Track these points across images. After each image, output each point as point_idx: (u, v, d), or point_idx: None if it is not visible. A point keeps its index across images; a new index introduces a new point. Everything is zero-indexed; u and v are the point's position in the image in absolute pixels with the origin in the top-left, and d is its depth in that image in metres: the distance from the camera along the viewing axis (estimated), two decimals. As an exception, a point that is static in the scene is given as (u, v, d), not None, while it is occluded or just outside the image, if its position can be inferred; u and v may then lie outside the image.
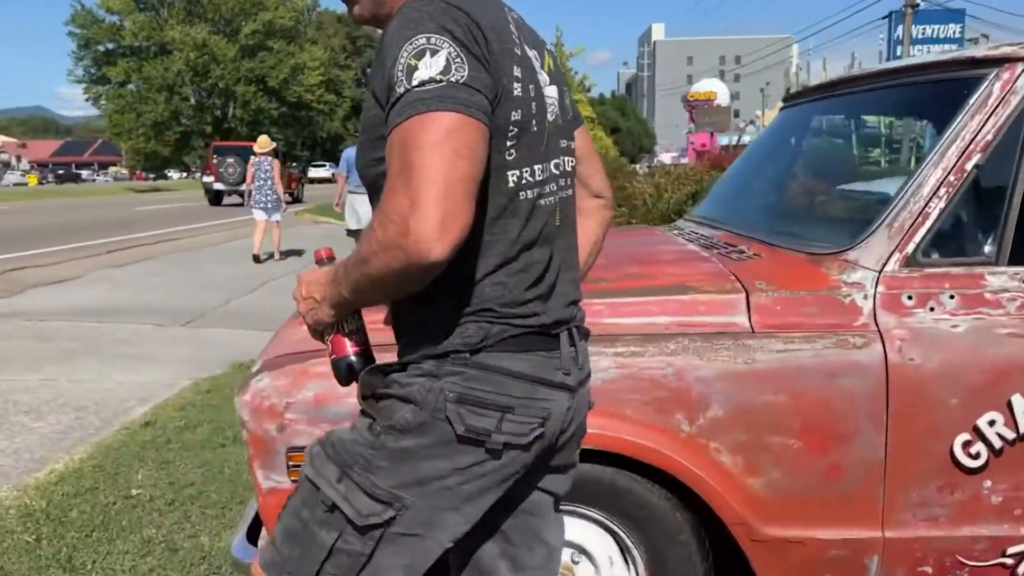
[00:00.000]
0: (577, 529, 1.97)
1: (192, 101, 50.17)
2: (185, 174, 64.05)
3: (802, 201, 2.64)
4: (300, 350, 1.94)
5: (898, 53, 22.78)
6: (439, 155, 1.03)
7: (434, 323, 1.21)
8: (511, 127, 1.17)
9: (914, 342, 1.86)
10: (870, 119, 3.31)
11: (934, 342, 1.86)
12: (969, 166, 1.91)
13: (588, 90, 19.87)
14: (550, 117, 1.27)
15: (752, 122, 37.67)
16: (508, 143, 1.18)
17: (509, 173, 1.19)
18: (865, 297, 1.90)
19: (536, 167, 1.23)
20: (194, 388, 4.77)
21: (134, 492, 3.22)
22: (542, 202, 1.25)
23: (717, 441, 1.85)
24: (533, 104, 1.21)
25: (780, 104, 3.11)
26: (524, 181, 1.21)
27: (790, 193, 2.73)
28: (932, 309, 1.89)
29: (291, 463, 1.84)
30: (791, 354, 1.84)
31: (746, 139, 22.38)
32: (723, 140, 25.44)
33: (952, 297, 1.89)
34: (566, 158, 1.33)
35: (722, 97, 28.76)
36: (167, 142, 50.06)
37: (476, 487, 1.22)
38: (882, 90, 2.39)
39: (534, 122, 1.21)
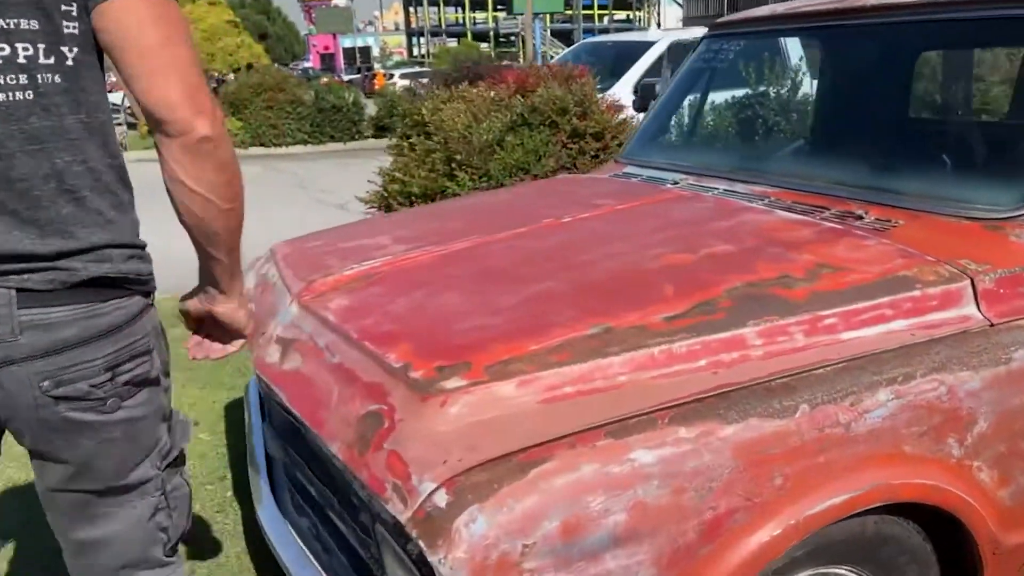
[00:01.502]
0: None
1: None
2: None
3: (893, 145, 2.37)
4: (494, 455, 1.28)
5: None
6: None
7: None
8: None
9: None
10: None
11: None
12: None
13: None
14: None
15: (371, 23, 37.10)
16: None
17: None
18: (1065, 264, 1.72)
19: None
20: None
21: None
22: None
23: (980, 459, 1.58)
24: None
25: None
26: None
27: (866, 136, 2.44)
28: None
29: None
30: (1032, 346, 1.61)
31: (369, 40, 22.05)
32: (346, 43, 24.69)
33: None
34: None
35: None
36: None
37: None
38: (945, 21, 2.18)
39: None
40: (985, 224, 1.80)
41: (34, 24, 1.08)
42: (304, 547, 1.78)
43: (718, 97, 2.88)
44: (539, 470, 1.25)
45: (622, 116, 5.27)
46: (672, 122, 3.06)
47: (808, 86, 2.73)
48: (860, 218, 1.97)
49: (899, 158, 2.17)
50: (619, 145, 5.09)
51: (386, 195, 5.12)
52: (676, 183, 2.51)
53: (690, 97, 3.04)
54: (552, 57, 16.71)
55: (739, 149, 2.66)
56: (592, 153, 4.97)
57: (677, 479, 1.29)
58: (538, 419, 1.36)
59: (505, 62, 16.08)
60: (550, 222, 2.18)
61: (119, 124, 14.57)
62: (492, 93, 5.40)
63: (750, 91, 2.81)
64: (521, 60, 19.50)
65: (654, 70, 7.98)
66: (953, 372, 1.53)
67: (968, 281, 1.65)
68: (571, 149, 4.93)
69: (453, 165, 4.91)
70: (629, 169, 2.84)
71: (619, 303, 1.61)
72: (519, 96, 5.15)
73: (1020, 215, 1.78)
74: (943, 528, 1.61)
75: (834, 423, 1.41)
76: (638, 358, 1.44)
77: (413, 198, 4.95)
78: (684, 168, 2.65)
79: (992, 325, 1.62)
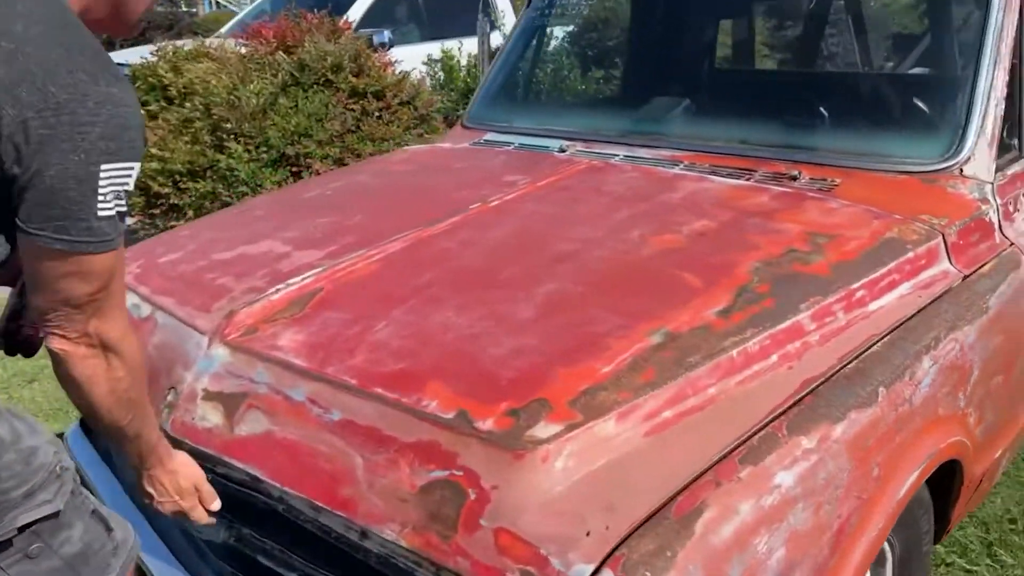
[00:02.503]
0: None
1: None
2: None
3: (798, 100, 2.33)
4: (640, 513, 1.06)
5: None
6: None
7: None
8: None
9: (1033, 247, 1.90)
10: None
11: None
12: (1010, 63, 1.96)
13: None
14: None
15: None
16: None
17: None
18: (994, 213, 1.86)
19: None
20: None
21: None
22: None
23: (972, 405, 1.66)
24: None
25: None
26: None
27: (766, 91, 2.40)
28: (1017, 211, 1.95)
29: None
30: (1001, 289, 1.72)
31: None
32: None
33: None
34: None
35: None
36: None
37: None
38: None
39: None
40: (922, 178, 1.88)
41: None
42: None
43: (569, 50, 2.73)
44: (703, 522, 1.06)
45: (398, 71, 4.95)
46: (519, 81, 2.88)
47: (688, 37, 2.68)
48: (795, 179, 1.96)
49: (806, 114, 2.20)
50: (401, 104, 4.79)
51: (142, 176, 4.35)
52: (564, 151, 2.35)
53: (533, 52, 2.88)
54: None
55: (618, 109, 2.56)
56: (375, 113, 4.62)
57: (814, 495, 1.18)
58: (652, 456, 1.16)
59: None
60: (479, 207, 1.92)
61: None
62: (245, 50, 4.79)
63: (611, 43, 2.70)
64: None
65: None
66: (961, 328, 1.57)
67: (940, 236, 1.71)
68: (353, 110, 4.53)
69: (221, 134, 4.28)
70: (490, 136, 2.62)
71: (652, 301, 1.44)
72: (282, 53, 4.61)
73: (949, 166, 1.87)
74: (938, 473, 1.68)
75: (903, 400, 1.38)
76: (721, 364, 1.29)
77: (178, 177, 4.27)
78: (559, 133, 2.49)
79: (966, 277, 1.70)
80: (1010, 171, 1.96)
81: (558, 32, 2.75)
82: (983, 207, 1.83)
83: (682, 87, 2.54)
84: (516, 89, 2.90)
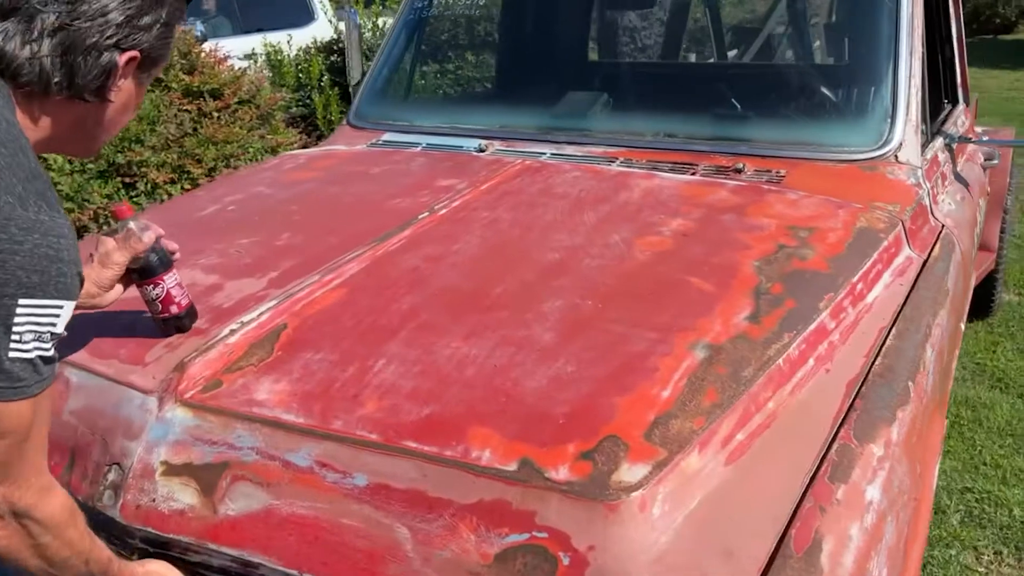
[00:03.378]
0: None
1: None
2: None
3: (720, 90, 2.27)
4: (757, 556, 0.96)
5: None
6: None
7: None
8: None
9: (955, 228, 2.00)
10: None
11: (956, 223, 2.03)
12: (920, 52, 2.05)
13: None
14: None
15: None
16: None
17: None
18: (927, 196, 1.93)
19: None
20: None
21: None
22: None
23: (943, 387, 1.70)
24: None
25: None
26: None
27: (683, 81, 2.31)
28: (939, 192, 2.05)
29: None
30: (951, 272, 1.78)
31: None
32: None
33: (942, 177, 2.07)
34: None
35: None
36: None
37: None
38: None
39: None
40: (861, 165, 1.91)
41: None
42: None
43: (465, 41, 2.58)
44: (826, 556, 0.97)
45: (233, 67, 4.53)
46: (411, 76, 2.68)
47: (602, 28, 2.58)
48: (740, 171, 1.94)
49: (733, 106, 2.18)
50: (241, 103, 4.39)
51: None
52: (483, 150, 2.20)
53: (422, 42, 2.69)
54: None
55: (531, 105, 2.42)
56: (214, 114, 4.19)
57: (894, 507, 1.13)
58: (741, 487, 1.06)
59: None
60: (427, 217, 1.73)
61: None
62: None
63: (512, 33, 2.56)
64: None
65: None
66: (938, 313, 1.60)
67: (900, 223, 1.74)
68: (189, 111, 4.09)
69: (33, 144, 3.70)
70: (390, 136, 2.42)
71: (674, 311, 1.34)
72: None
73: (884, 153, 1.92)
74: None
75: (923, 391, 1.38)
76: (772, 375, 1.21)
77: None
78: (468, 131, 2.34)
79: (925, 262, 1.74)
80: (928, 155, 2.05)
81: (449, 22, 2.58)
82: (919, 191, 1.89)
83: (598, 81, 2.46)
84: (406, 84, 2.70)
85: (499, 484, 1.03)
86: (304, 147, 4.25)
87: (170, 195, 3.80)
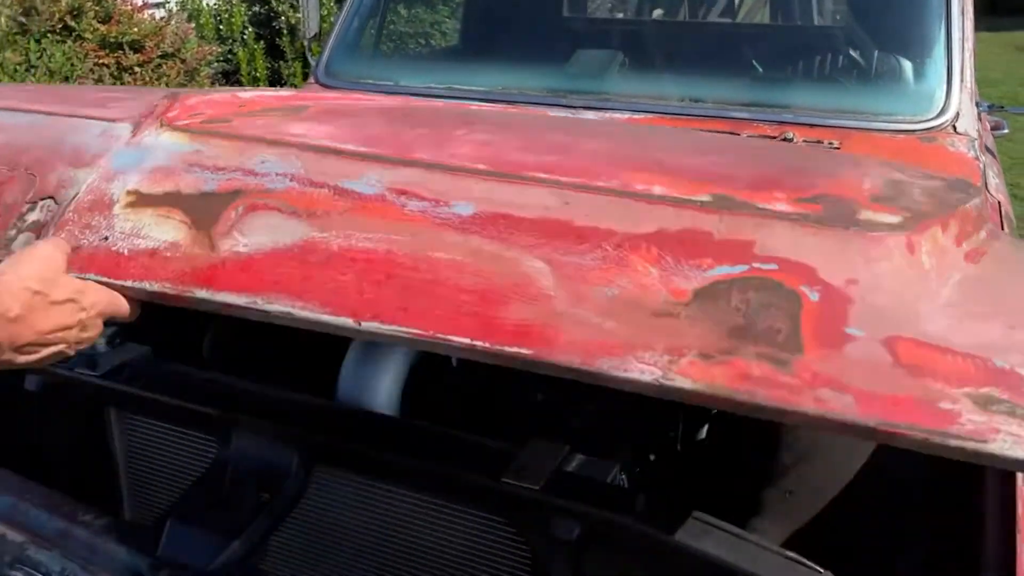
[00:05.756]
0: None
1: None
2: None
3: (770, 55, 2.02)
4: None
5: None
6: None
7: None
8: None
9: (1006, 204, 1.87)
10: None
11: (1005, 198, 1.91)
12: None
13: None
14: None
15: None
16: None
17: None
18: (987, 169, 1.80)
19: None
20: None
21: None
22: None
23: None
24: None
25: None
26: None
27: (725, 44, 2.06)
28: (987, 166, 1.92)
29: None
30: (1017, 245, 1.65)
31: None
32: None
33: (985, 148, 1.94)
34: None
35: None
36: None
37: None
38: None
39: None
40: (921, 137, 1.76)
41: None
42: None
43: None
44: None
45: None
46: (393, 29, 2.38)
47: None
48: (789, 141, 1.75)
49: (773, 70, 1.97)
50: (163, 56, 3.95)
51: None
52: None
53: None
54: None
55: (539, 65, 2.13)
56: (134, 68, 3.75)
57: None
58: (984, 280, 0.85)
59: None
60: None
61: None
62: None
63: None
64: None
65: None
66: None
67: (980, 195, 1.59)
68: (107, 65, 3.63)
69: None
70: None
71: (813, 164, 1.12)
72: (-5, -8, 3.56)
73: (943, 123, 1.77)
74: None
75: None
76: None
77: None
78: (463, 93, 2.06)
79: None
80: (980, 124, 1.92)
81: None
82: (980, 164, 1.75)
83: (618, 37, 2.21)
84: (386, 39, 2.39)
85: (688, 212, 0.77)
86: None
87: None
